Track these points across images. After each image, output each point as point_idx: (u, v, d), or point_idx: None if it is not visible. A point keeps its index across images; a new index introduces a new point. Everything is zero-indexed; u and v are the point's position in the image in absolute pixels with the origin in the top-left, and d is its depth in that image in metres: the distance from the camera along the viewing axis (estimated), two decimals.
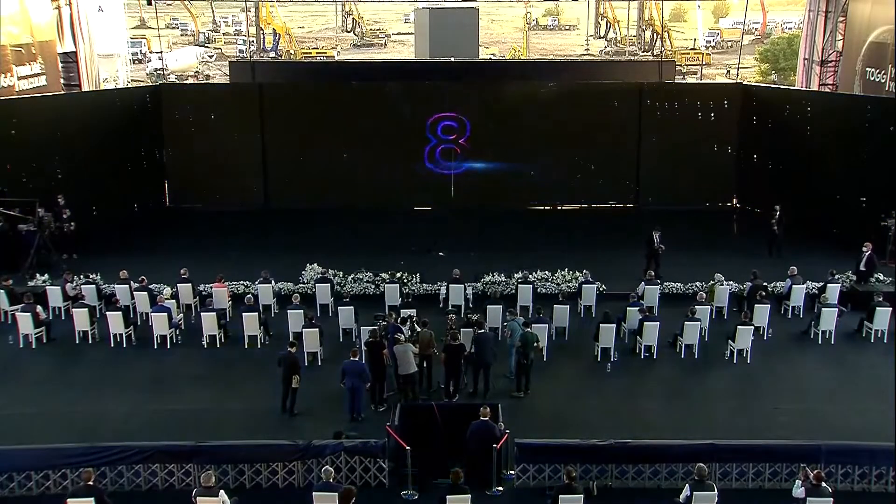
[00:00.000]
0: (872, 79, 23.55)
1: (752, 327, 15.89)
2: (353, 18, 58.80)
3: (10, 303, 17.45)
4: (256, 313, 16.60)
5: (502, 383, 14.77)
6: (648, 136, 25.65)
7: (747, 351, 15.77)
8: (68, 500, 10.61)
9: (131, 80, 42.96)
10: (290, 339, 14.58)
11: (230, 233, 23.52)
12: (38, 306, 16.95)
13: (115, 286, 17.87)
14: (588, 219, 25.44)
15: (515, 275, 18.77)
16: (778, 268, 18.95)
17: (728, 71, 48.53)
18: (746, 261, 19.29)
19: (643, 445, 12.01)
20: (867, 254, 18.61)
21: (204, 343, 16.52)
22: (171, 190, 26.21)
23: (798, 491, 10.76)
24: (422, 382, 14.44)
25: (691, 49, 52.68)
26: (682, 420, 13.65)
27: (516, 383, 14.59)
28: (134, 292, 17.60)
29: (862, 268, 18.65)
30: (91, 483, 10.66)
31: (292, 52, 50.64)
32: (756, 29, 63.34)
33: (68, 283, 17.94)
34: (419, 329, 14.70)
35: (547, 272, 19.24)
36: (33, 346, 16.48)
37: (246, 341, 16.50)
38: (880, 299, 16.82)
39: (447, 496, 10.51)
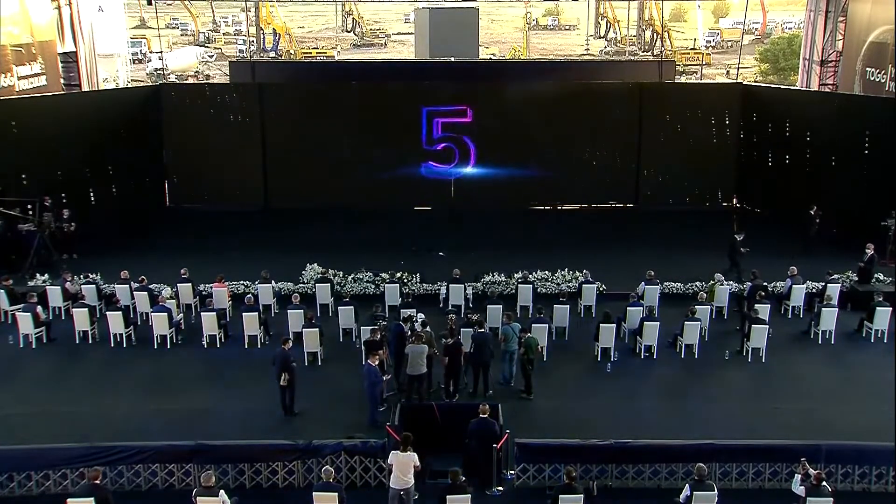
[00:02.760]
0: (872, 79, 23.56)
1: (767, 326, 15.86)
2: (353, 18, 58.77)
3: (10, 303, 17.46)
4: (256, 313, 16.59)
5: (499, 389, 14.76)
6: (648, 136, 25.66)
7: (763, 350, 15.78)
8: (68, 500, 10.60)
9: (131, 80, 42.92)
10: (284, 336, 14.53)
11: (230, 233, 23.52)
12: (39, 306, 16.96)
13: (115, 286, 17.88)
14: (588, 219, 25.45)
15: (515, 275, 18.78)
16: (779, 268, 18.93)
17: (728, 71, 48.51)
18: (747, 261, 19.22)
19: (643, 445, 12.01)
20: (870, 254, 18.62)
21: (204, 343, 16.52)
22: (171, 190, 26.22)
23: (798, 488, 10.76)
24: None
25: (691, 49, 52.68)
26: (682, 420, 13.65)
27: (525, 385, 14.57)
28: (134, 292, 17.60)
29: (862, 265, 18.66)
30: (98, 482, 10.65)
31: (292, 52, 50.62)
32: (756, 29, 63.34)
33: (68, 283, 17.93)
34: (419, 329, 14.68)
35: (547, 272, 19.25)
36: (33, 346, 16.48)
37: (246, 341, 16.50)
38: (880, 299, 16.82)
39: (447, 496, 10.51)
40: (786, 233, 21.88)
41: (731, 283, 18.28)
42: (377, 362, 13.41)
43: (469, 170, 25.77)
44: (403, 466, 10.91)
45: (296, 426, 13.37)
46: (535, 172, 25.80)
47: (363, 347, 14.25)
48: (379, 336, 14.14)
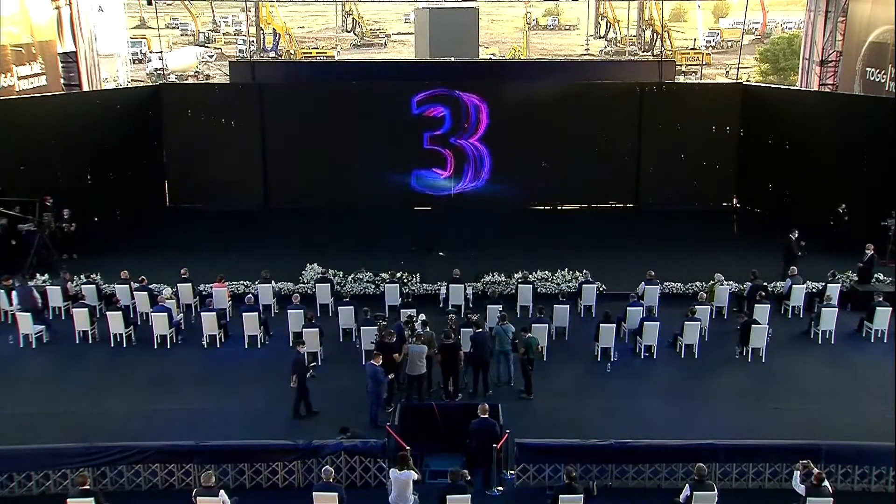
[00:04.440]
0: (872, 79, 23.56)
1: (767, 326, 15.84)
2: (353, 18, 58.78)
3: (10, 303, 17.46)
4: (256, 313, 16.59)
5: (499, 389, 14.77)
6: (648, 136, 25.65)
7: (763, 350, 15.78)
8: (68, 500, 10.62)
9: (131, 80, 43.04)
10: (299, 339, 14.48)
11: (230, 233, 23.52)
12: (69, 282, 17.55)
13: (115, 286, 17.87)
14: (588, 219, 25.45)
15: (515, 275, 18.77)
16: (780, 267, 18.92)
17: (728, 71, 48.53)
18: (747, 261, 19.24)
19: (643, 445, 12.01)
20: (870, 254, 18.61)
21: (204, 343, 16.52)
22: (171, 190, 26.21)
23: (798, 486, 10.76)
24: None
25: (691, 49, 52.69)
26: (682, 420, 13.65)
27: (525, 385, 14.56)
28: (134, 292, 17.60)
29: (862, 265, 18.65)
30: (86, 487, 10.66)
31: (292, 52, 50.62)
32: (756, 29, 63.36)
33: (69, 283, 17.94)
34: (419, 329, 14.67)
35: (547, 272, 19.25)
36: (33, 346, 16.48)
37: (246, 341, 16.50)
38: (880, 299, 16.81)
39: (447, 496, 10.51)
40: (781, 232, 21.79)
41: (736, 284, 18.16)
42: (380, 362, 13.36)
43: (468, 183, 25.85)
44: (403, 486, 10.78)
45: (296, 426, 13.37)
46: (535, 172, 25.80)
47: (375, 349, 13.93)
48: (394, 339, 13.99)
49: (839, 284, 17.90)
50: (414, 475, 10.83)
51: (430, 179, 25.87)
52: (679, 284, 18.88)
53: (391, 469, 11.00)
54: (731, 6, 70.71)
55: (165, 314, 16.42)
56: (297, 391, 13.70)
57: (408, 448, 11.50)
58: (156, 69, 44.66)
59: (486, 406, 12.02)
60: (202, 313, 16.67)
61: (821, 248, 20.35)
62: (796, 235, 19.13)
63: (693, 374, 15.50)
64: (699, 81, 37.85)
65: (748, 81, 32.77)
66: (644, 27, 49.16)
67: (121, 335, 16.52)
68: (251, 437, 12.45)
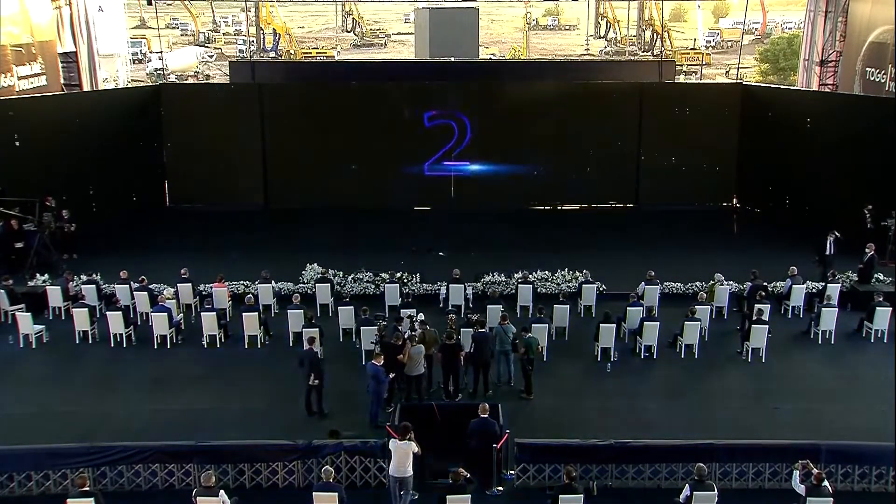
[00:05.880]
0: (872, 79, 23.56)
1: (767, 326, 15.85)
2: (353, 18, 58.77)
3: (10, 303, 17.46)
4: (256, 313, 16.58)
5: (499, 389, 14.77)
6: (648, 136, 25.68)
7: (763, 350, 15.78)
8: (68, 500, 10.62)
9: (131, 80, 43.02)
10: (310, 335, 14.48)
11: (230, 233, 23.53)
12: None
13: (115, 286, 17.87)
14: (588, 219, 25.46)
15: (515, 275, 18.76)
16: (781, 267, 18.91)
17: (728, 71, 48.53)
18: (747, 261, 19.25)
19: (643, 445, 12.01)
20: (870, 254, 18.60)
21: (204, 343, 16.52)
22: (171, 190, 26.23)
23: (798, 486, 10.75)
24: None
25: (691, 49, 52.65)
26: (682, 420, 13.64)
27: (525, 385, 14.56)
28: (134, 292, 17.60)
29: (862, 266, 18.64)
30: (86, 489, 10.65)
31: (292, 52, 50.59)
32: (756, 29, 63.36)
33: (70, 283, 17.94)
34: (419, 329, 14.66)
35: (547, 272, 19.24)
36: (33, 346, 16.48)
37: (246, 341, 16.49)
38: (880, 299, 16.81)
39: (447, 496, 10.51)
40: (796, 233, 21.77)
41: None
42: (381, 362, 13.36)
43: (470, 167, 25.78)
44: (402, 455, 11.00)
45: (296, 426, 13.34)
46: (536, 172, 25.79)
47: (378, 349, 13.90)
48: (401, 341, 13.89)
49: (839, 284, 17.90)
50: (414, 446, 10.98)
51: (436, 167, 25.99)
52: (679, 284, 18.88)
53: (392, 440, 11.12)
54: (731, 6, 70.70)
55: (165, 314, 16.41)
56: (315, 386, 13.62)
57: None
58: (156, 69, 44.65)
59: (486, 406, 12.03)
60: (202, 313, 16.67)
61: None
62: (834, 237, 18.92)
63: (693, 374, 15.49)
64: (699, 81, 37.88)
65: (748, 81, 32.77)
66: (644, 27, 49.14)
67: (121, 335, 16.52)
68: (251, 437, 12.45)
